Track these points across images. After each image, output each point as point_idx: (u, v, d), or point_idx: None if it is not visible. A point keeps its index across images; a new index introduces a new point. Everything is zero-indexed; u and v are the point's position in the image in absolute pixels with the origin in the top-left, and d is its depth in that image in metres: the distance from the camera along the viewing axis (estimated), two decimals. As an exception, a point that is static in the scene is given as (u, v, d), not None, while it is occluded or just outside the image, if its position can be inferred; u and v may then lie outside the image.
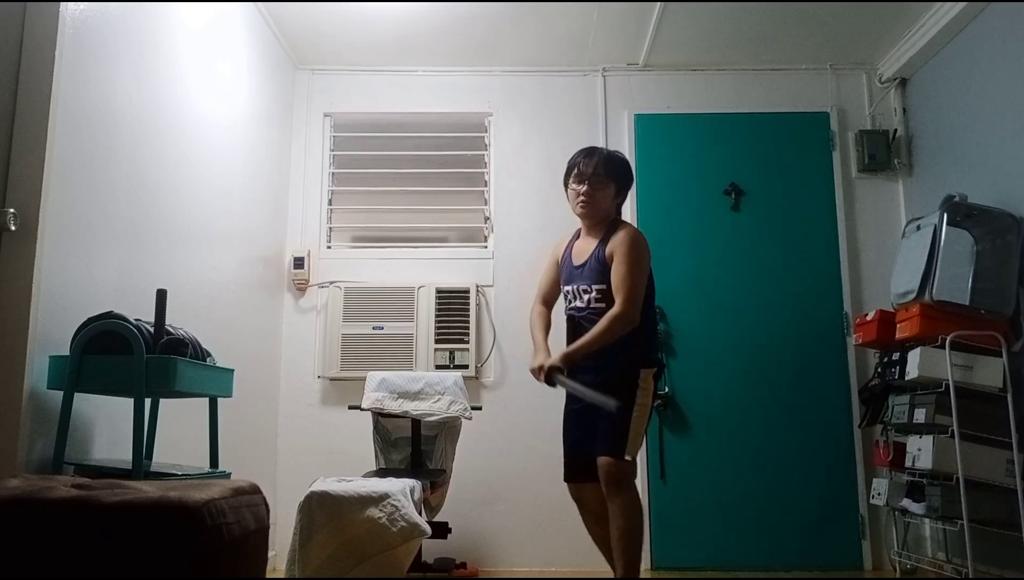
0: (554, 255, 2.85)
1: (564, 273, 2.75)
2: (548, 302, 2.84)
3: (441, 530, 3.18)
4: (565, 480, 2.68)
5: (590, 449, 2.55)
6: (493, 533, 3.77)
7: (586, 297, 2.63)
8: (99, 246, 2.31)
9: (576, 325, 2.64)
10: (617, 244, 2.61)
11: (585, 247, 2.71)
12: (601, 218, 2.71)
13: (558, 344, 2.67)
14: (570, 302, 2.70)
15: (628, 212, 3.94)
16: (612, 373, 2.55)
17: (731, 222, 4.05)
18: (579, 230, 2.82)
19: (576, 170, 2.71)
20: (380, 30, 3.84)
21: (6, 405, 1.96)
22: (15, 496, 1.40)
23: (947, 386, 3.03)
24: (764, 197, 4.08)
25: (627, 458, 2.50)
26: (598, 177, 2.67)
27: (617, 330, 2.50)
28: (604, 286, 2.59)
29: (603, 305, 2.57)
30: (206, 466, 2.38)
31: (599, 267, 2.62)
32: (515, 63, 4.17)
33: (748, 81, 4.19)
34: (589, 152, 2.73)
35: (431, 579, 3.31)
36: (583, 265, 2.67)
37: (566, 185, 2.77)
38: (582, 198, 2.67)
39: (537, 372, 2.58)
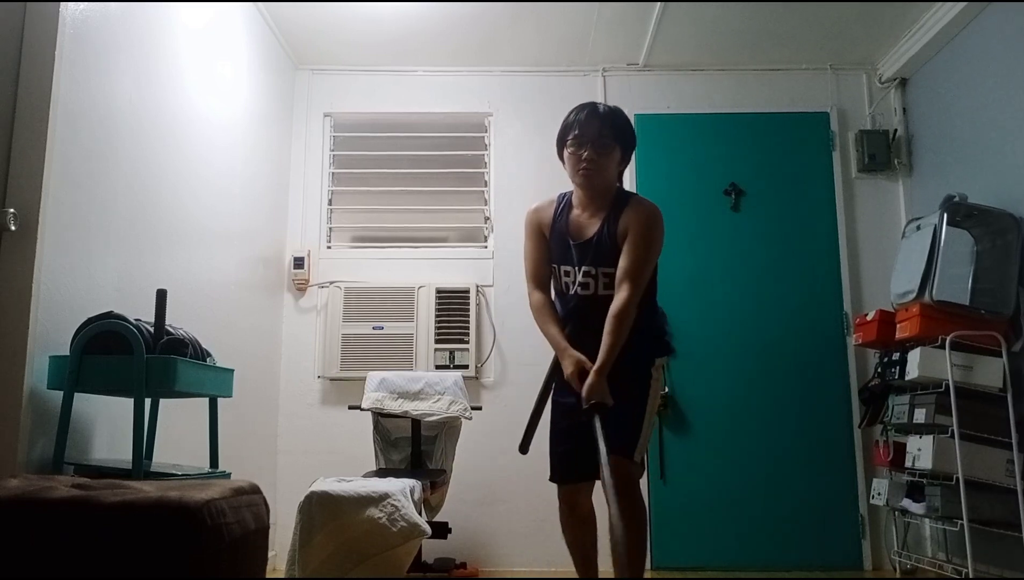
0: (537, 227, 2.42)
1: (559, 252, 2.36)
2: (544, 285, 2.41)
3: (441, 530, 3.18)
4: (557, 481, 2.41)
5: (590, 456, 2.22)
6: (493, 533, 3.77)
7: (591, 281, 2.30)
8: (99, 246, 2.31)
9: (587, 312, 2.30)
10: (633, 222, 2.27)
11: (587, 222, 2.34)
12: (604, 188, 2.35)
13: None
14: (572, 285, 2.34)
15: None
16: (624, 366, 2.26)
17: (731, 222, 4.05)
18: (566, 197, 2.43)
19: (576, 132, 2.31)
20: (380, 30, 3.84)
21: (6, 405, 1.96)
22: (15, 496, 1.40)
23: (947, 386, 3.03)
24: (764, 197, 4.08)
25: (636, 459, 2.28)
26: (603, 140, 2.30)
27: (629, 326, 2.21)
28: (613, 270, 2.26)
29: (612, 291, 2.25)
30: (206, 466, 2.38)
31: (611, 247, 2.28)
32: (515, 63, 4.17)
33: (748, 81, 4.19)
34: (591, 110, 2.33)
35: (431, 579, 3.30)
36: (590, 242, 2.31)
37: (562, 147, 2.38)
38: (584, 165, 2.29)
39: (576, 381, 2.21)
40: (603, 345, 2.18)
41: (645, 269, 2.27)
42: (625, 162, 2.41)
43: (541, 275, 2.41)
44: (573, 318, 2.36)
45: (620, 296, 2.21)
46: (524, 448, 2.35)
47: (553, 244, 2.39)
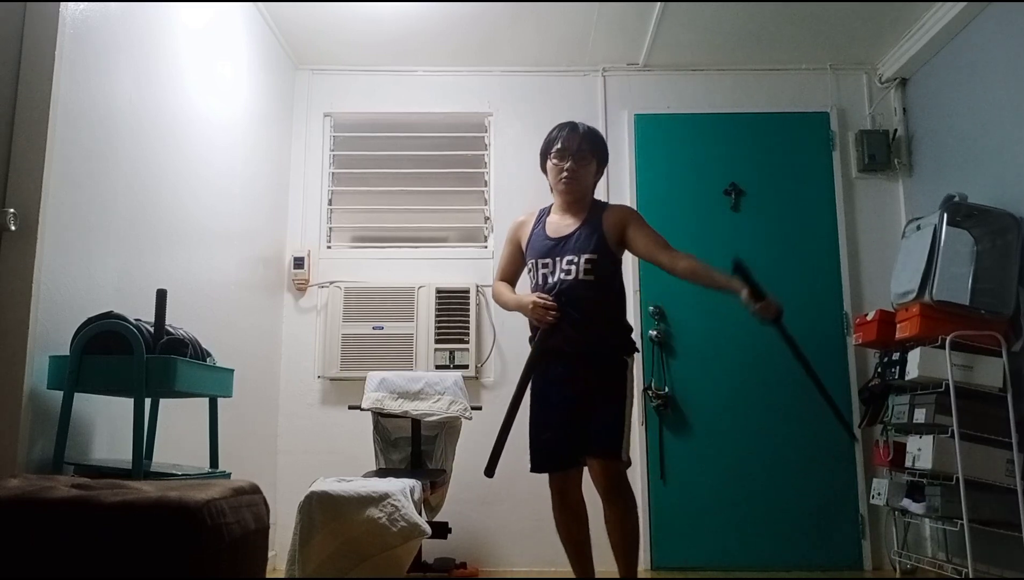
0: (516, 236, 2.75)
1: (536, 248, 2.63)
2: (509, 282, 2.77)
3: (441, 530, 3.18)
4: (542, 470, 2.56)
5: (577, 445, 2.48)
6: (493, 533, 3.77)
7: (573, 268, 2.52)
8: (99, 246, 2.31)
9: (568, 295, 2.50)
10: (624, 218, 2.61)
11: (565, 222, 2.63)
12: (582, 194, 2.65)
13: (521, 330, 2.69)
14: (551, 275, 2.55)
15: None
16: (600, 364, 2.51)
17: (731, 222, 4.05)
18: (545, 209, 2.74)
19: (559, 145, 2.63)
20: (380, 30, 3.84)
21: (6, 405, 1.96)
22: (15, 496, 1.40)
23: (947, 386, 3.03)
24: (764, 197, 4.08)
25: (624, 458, 2.46)
26: (582, 153, 2.62)
27: (698, 261, 2.48)
28: (595, 257, 2.51)
29: (592, 277, 2.50)
30: (206, 466, 2.38)
31: (591, 239, 2.54)
32: (515, 63, 4.17)
33: (748, 81, 4.19)
34: (571, 127, 2.65)
35: (431, 579, 3.31)
36: (567, 238, 2.57)
37: (545, 160, 2.70)
38: (566, 174, 2.60)
39: (542, 304, 2.48)
40: (714, 281, 2.44)
41: (663, 238, 2.57)
42: (599, 174, 2.73)
43: (507, 276, 2.78)
44: (574, 303, 2.52)
45: (674, 255, 2.50)
46: (490, 472, 2.53)
47: (532, 244, 2.67)
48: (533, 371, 2.54)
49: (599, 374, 2.50)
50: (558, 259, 2.55)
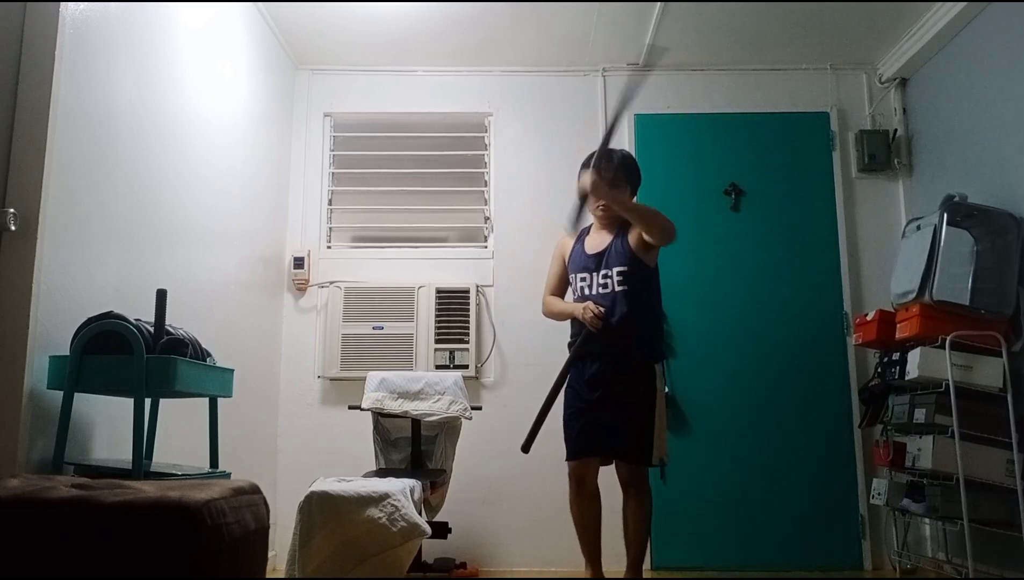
0: (561, 253, 2.98)
1: (577, 264, 2.87)
2: (558, 295, 3.00)
3: (441, 530, 3.19)
4: (572, 458, 2.74)
5: (598, 439, 2.69)
6: (493, 533, 3.77)
7: (608, 282, 2.76)
8: (99, 246, 2.31)
9: (607, 307, 2.73)
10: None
11: (600, 239, 2.86)
12: (617, 217, 2.84)
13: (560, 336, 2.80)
14: (589, 289, 2.80)
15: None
16: (629, 366, 2.72)
17: (731, 222, 4.05)
18: (586, 228, 2.96)
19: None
20: (380, 30, 3.84)
21: (6, 405, 1.96)
22: (15, 496, 1.40)
23: (947, 386, 3.03)
24: (764, 197, 4.08)
25: (655, 463, 2.70)
26: (618, 182, 2.80)
27: (660, 219, 2.68)
28: (627, 269, 2.74)
29: (626, 287, 2.73)
30: (206, 466, 2.38)
31: (621, 254, 2.77)
32: (515, 63, 4.17)
33: (748, 81, 4.18)
34: (608, 157, 2.81)
35: (431, 579, 3.31)
36: (602, 253, 2.81)
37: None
38: (603, 202, 2.79)
39: (595, 313, 2.70)
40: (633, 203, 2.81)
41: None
42: (633, 196, 2.90)
43: (556, 291, 3.00)
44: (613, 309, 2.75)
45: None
46: (527, 448, 2.71)
47: (573, 260, 2.91)
48: (571, 366, 2.79)
49: (627, 377, 2.72)
50: (595, 274, 2.80)
